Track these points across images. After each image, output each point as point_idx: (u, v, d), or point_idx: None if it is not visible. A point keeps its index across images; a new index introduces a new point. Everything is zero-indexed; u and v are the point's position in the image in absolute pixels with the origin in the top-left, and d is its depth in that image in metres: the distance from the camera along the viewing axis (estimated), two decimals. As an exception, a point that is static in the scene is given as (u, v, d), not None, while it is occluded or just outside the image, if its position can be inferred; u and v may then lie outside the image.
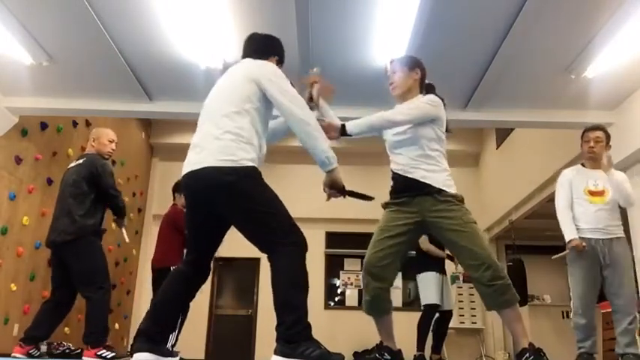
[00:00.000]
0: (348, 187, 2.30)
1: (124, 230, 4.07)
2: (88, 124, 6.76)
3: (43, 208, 5.86)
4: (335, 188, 2.26)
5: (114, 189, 3.74)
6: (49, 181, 5.98)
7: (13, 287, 5.33)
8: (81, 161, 3.80)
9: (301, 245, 2.09)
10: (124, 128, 7.38)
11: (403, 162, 2.60)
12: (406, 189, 2.57)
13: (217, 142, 2.14)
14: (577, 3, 3.62)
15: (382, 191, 2.69)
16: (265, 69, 2.29)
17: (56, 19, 3.95)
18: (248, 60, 2.41)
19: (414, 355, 4.83)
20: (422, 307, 5.01)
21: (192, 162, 2.19)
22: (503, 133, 8.11)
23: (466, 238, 2.43)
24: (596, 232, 3.39)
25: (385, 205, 2.68)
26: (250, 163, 2.13)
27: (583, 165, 3.60)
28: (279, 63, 2.51)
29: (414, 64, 2.74)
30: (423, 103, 2.59)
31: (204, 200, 2.19)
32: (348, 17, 3.85)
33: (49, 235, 3.69)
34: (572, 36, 3.97)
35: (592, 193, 3.43)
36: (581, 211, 3.44)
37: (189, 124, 7.79)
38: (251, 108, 2.20)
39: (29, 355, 3.50)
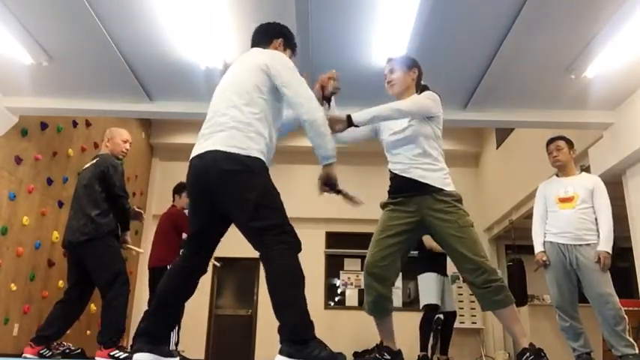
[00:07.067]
0: (343, 188, 2.31)
1: (129, 245, 3.90)
2: (88, 124, 6.77)
3: (42, 208, 5.86)
4: (328, 184, 2.26)
5: (120, 189, 3.65)
6: (49, 181, 5.98)
7: (13, 287, 5.32)
8: (94, 161, 3.77)
9: (296, 246, 2.07)
10: (123, 128, 7.36)
11: (402, 161, 2.61)
12: (404, 189, 2.57)
13: (226, 132, 2.13)
14: (577, 3, 3.62)
15: (381, 191, 2.69)
16: (275, 59, 2.28)
17: (56, 19, 3.94)
18: (257, 49, 2.42)
19: (418, 356, 4.83)
20: (421, 308, 5.03)
21: (200, 148, 2.17)
22: (503, 133, 8.11)
23: (462, 244, 2.45)
24: (564, 237, 3.50)
25: (383, 205, 2.68)
26: (258, 155, 2.12)
27: (557, 175, 3.75)
28: (287, 45, 2.51)
29: (412, 63, 2.77)
30: (425, 98, 2.60)
31: (205, 185, 2.13)
32: (348, 17, 3.85)
33: (65, 235, 3.67)
34: (572, 36, 3.97)
35: (562, 200, 3.59)
36: (553, 217, 3.62)
37: (189, 124, 7.93)
38: (260, 98, 2.20)
39: (40, 355, 3.45)
